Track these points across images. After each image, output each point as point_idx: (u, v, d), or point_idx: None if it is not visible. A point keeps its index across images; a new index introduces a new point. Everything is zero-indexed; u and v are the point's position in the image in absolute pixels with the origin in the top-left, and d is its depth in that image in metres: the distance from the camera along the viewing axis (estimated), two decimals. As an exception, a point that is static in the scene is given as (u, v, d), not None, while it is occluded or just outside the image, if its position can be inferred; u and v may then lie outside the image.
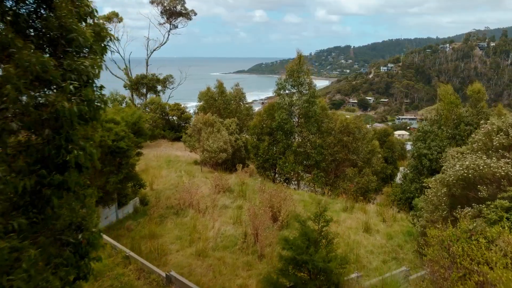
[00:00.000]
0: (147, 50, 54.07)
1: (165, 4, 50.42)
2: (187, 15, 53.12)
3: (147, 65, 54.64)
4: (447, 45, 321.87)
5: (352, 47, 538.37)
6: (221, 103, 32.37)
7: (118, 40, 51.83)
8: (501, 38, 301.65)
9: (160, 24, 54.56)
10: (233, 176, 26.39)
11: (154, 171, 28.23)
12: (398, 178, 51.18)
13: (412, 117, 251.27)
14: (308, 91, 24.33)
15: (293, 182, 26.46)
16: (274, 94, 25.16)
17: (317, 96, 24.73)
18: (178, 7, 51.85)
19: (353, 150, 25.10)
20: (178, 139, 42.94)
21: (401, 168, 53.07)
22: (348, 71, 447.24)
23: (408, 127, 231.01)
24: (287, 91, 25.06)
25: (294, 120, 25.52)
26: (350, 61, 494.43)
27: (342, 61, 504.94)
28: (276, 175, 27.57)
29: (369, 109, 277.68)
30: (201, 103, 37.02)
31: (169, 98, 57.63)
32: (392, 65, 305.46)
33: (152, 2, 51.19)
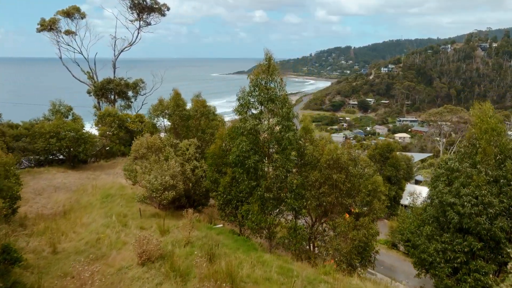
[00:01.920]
0: (114, 51, 46.35)
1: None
2: (159, 10, 45.40)
3: (114, 68, 46.88)
4: (449, 45, 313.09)
5: (352, 47, 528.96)
6: (177, 119, 24.71)
7: (74, 34, 44.29)
8: (503, 39, 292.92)
9: (130, 21, 46.93)
10: (181, 223, 18.78)
11: (77, 214, 20.56)
12: (408, 202, 43.70)
13: (413, 119, 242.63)
14: (282, 110, 16.99)
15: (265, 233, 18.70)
16: (235, 112, 17.32)
17: (294, 116, 16.82)
18: (148, 1, 44.12)
19: (346, 192, 17.36)
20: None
21: (409, 187, 45.46)
22: (348, 71, 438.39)
23: (409, 129, 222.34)
24: (253, 110, 17.20)
25: (270, 149, 17.81)
26: (351, 61, 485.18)
27: (343, 61, 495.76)
28: (244, 220, 19.84)
29: (369, 110, 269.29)
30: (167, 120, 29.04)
31: (142, 105, 49.98)
32: (392, 66, 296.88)
33: (117, -5, 43.49)
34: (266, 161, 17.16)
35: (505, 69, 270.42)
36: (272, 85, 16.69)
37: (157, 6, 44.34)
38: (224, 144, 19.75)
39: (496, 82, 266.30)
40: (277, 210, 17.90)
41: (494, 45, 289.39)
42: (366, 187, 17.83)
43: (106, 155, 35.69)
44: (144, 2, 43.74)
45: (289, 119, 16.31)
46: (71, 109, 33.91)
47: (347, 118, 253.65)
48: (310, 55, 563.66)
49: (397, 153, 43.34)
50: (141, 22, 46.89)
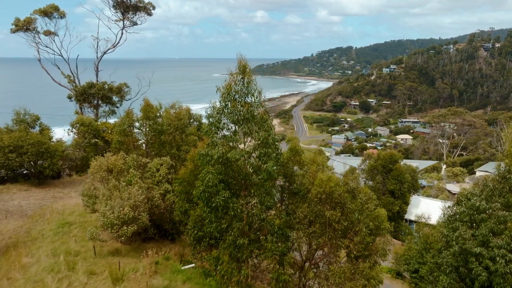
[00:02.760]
0: (97, 53, 42.83)
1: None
2: (144, 9, 41.87)
3: (96, 71, 43.32)
4: (451, 46, 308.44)
5: (354, 48, 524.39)
6: (148, 134, 21.20)
7: (54, 34, 40.75)
8: (506, 39, 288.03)
9: (114, 21, 43.40)
10: (141, 266, 15.25)
11: (21, 251, 17.05)
12: (413, 218, 39.99)
13: (416, 120, 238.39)
14: (259, 133, 12.90)
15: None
16: (207, 132, 13.41)
17: (276, 141, 12.96)
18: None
19: (342, 232, 13.68)
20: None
21: (414, 199, 41.58)
22: (350, 72, 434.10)
23: (411, 131, 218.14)
24: (225, 132, 13.28)
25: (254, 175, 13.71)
26: (352, 62, 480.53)
27: (344, 62, 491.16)
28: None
29: (371, 111, 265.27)
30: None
31: (128, 109, 46.41)
32: (394, 67, 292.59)
33: (98, -8, 39.88)
34: (242, 196, 13.43)
35: (509, 69, 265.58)
36: (248, 99, 13.06)
37: (141, 5, 40.85)
38: (195, 168, 16.26)
39: (499, 83, 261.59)
40: (255, 257, 14.21)
41: (497, 45, 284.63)
42: (367, 225, 14.25)
43: (82, 167, 32.24)
44: (128, 1, 40.31)
45: (268, 144, 12.60)
46: (38, 118, 30.36)
47: (348, 119, 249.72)
48: (312, 55, 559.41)
49: (401, 163, 39.61)
50: (127, 22, 43.49)
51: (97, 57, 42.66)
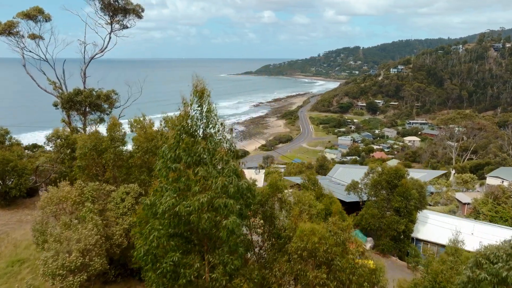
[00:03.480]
0: (84, 58, 40.26)
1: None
2: (134, 11, 39.20)
3: (84, 77, 40.74)
4: (460, 46, 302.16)
5: (361, 48, 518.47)
6: (110, 158, 18.32)
7: (40, 38, 38.25)
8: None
9: (106, 23, 40.74)
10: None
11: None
12: (420, 236, 36.77)
13: (424, 121, 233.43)
14: (216, 179, 9.69)
15: None
16: (159, 171, 10.31)
17: (244, 189, 9.69)
18: (121, 1, 37.88)
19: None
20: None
21: (421, 216, 38.26)
22: (357, 72, 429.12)
23: (419, 132, 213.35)
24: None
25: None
26: (359, 62, 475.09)
27: (351, 62, 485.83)
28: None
29: (378, 112, 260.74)
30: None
31: (119, 117, 43.89)
32: (402, 67, 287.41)
33: (83, -6, 37.18)
34: (200, 254, 10.50)
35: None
36: (210, 131, 10.12)
37: (130, 7, 38.16)
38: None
39: (510, 84, 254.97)
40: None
41: (508, 45, 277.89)
42: (360, 285, 11.32)
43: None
44: (116, 3, 37.68)
45: (229, 194, 9.59)
46: (7, 132, 27.86)
47: (355, 120, 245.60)
48: (319, 55, 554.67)
49: (408, 175, 36.39)
50: (116, 25, 40.85)
51: (84, 62, 40.12)
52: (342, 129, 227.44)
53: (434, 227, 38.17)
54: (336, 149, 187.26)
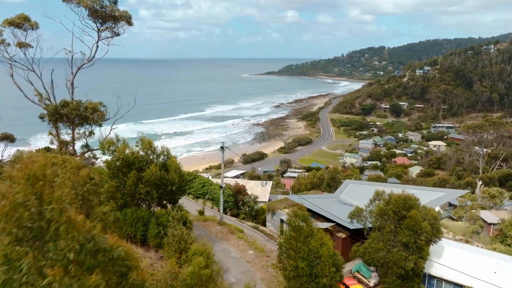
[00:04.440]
0: (72, 68, 37.75)
1: (88, 2, 33.42)
2: (123, 18, 36.37)
3: (72, 88, 38.27)
4: (492, 46, 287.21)
5: (386, 48, 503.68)
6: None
7: (29, 46, 36.02)
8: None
9: (98, 30, 38.10)
10: None
11: None
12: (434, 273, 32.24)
13: (450, 125, 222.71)
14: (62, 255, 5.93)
15: None
16: None
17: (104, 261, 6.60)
18: (108, 8, 35.05)
19: None
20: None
21: (435, 249, 33.54)
22: (381, 73, 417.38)
23: (445, 137, 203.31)
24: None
25: None
26: (384, 62, 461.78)
27: (376, 62, 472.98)
28: None
29: (402, 115, 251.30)
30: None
31: (111, 129, 41.37)
32: (428, 68, 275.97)
33: (67, 0, 34.48)
34: None
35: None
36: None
37: (117, 14, 35.29)
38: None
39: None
40: None
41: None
42: None
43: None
44: (104, 10, 34.90)
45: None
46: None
47: (377, 123, 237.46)
48: (342, 55, 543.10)
49: (421, 204, 31.81)
50: (107, 32, 38.19)
51: (71, 72, 37.66)
52: (364, 132, 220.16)
53: (450, 260, 33.40)
54: (356, 153, 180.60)
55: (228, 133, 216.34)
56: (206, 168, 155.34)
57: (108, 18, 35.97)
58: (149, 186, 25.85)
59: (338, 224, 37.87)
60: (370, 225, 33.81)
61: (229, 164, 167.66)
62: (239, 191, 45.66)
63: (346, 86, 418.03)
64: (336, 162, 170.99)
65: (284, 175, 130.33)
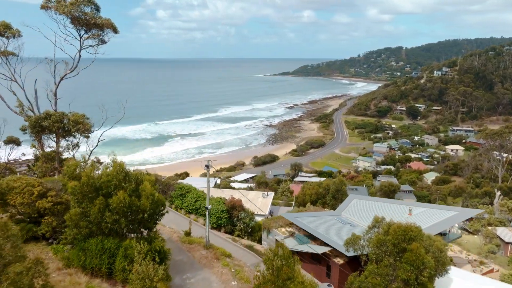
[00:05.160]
0: (54, 78, 35.64)
1: (66, 9, 31.06)
2: (108, 25, 34.01)
3: (55, 98, 36.19)
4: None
5: (404, 48, 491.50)
6: None
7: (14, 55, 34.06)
8: None
9: (85, 39, 35.87)
10: None
11: None
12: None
13: (469, 128, 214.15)
14: None
15: None
16: None
17: None
18: (88, 17, 32.66)
19: None
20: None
21: (440, 283, 29.88)
22: (398, 73, 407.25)
23: (463, 141, 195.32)
24: None
25: None
26: (401, 63, 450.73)
27: (393, 63, 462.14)
28: None
29: (418, 117, 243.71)
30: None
31: (98, 141, 39.19)
32: (447, 69, 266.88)
33: (45, 7, 32.21)
34: None
35: None
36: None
37: (100, 22, 32.88)
38: None
39: None
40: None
41: None
42: None
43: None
44: (86, 17, 32.54)
45: None
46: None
47: (393, 126, 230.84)
48: (358, 55, 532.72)
49: (426, 234, 28.23)
50: (94, 40, 35.97)
51: (54, 82, 35.58)
52: (379, 135, 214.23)
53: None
54: (370, 157, 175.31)
55: (240, 135, 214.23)
56: (217, 170, 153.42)
57: (92, 26, 33.67)
58: (117, 214, 23.22)
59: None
60: (369, 253, 30.53)
61: (239, 166, 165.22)
62: (233, 207, 42.61)
63: (362, 87, 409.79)
64: (349, 165, 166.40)
65: (294, 179, 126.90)
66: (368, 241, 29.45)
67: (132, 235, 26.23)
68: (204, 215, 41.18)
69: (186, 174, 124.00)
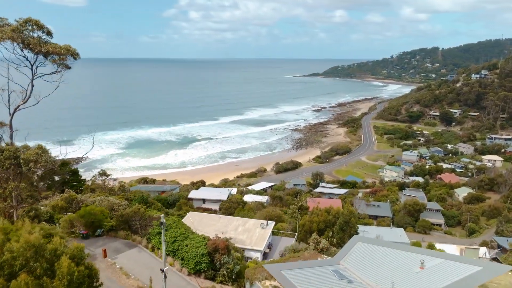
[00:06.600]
0: (9, 108, 31.43)
1: (5, 36, 26.52)
2: (56, 53, 29.19)
3: (10, 130, 31.96)
4: None
5: (440, 49, 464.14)
6: None
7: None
8: None
9: (30, 67, 31.36)
10: None
11: None
12: None
13: (510, 136, 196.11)
14: None
15: None
16: None
17: None
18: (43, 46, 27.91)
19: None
20: None
21: None
22: (433, 75, 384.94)
23: (502, 150, 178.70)
24: None
25: None
26: (437, 64, 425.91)
27: (428, 64, 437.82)
28: None
29: (453, 123, 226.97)
30: None
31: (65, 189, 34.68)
32: (486, 72, 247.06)
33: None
34: None
35: None
36: None
37: (52, 49, 28.07)
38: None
39: None
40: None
41: None
42: None
43: None
44: (39, 45, 27.95)
45: None
46: None
47: (425, 132, 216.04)
48: (391, 56, 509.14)
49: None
50: (56, 66, 31.52)
51: (9, 113, 31.46)
52: (409, 142, 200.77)
53: None
54: (398, 166, 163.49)
55: (265, 140, 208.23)
56: (237, 176, 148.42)
57: (45, 53, 29.06)
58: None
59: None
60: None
61: (261, 173, 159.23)
62: (216, 249, 36.29)
63: (394, 90, 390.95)
64: (375, 175, 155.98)
65: (315, 190, 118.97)
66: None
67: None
68: (183, 259, 35.64)
69: (202, 183, 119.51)
